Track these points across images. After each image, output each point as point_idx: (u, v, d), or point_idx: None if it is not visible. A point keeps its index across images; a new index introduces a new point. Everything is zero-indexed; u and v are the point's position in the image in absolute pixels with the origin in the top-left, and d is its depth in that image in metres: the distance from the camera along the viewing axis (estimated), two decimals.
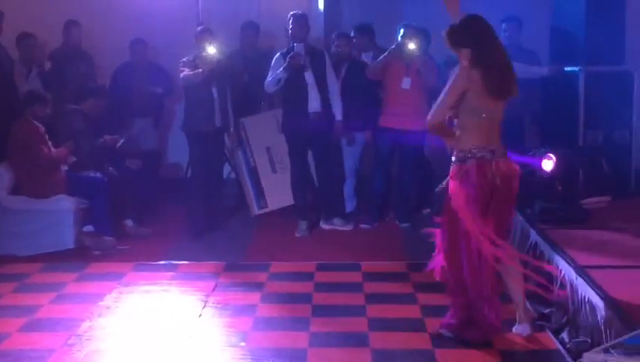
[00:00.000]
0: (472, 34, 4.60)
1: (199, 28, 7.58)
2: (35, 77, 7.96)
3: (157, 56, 8.77)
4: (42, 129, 7.05)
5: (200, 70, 7.18)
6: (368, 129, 7.83)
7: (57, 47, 8.34)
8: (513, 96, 4.68)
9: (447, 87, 4.65)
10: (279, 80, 7.27)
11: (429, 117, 4.67)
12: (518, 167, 4.75)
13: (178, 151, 9.02)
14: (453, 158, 4.72)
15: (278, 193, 7.93)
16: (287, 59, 7.20)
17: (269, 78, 7.36)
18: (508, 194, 4.66)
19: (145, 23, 8.54)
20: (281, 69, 7.24)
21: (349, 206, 7.97)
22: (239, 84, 7.91)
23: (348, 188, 7.97)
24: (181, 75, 7.26)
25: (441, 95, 4.66)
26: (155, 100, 8.63)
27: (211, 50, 7.20)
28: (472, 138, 4.61)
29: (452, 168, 4.71)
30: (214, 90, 7.36)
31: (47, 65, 8.27)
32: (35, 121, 7.02)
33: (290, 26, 7.37)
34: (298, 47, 7.25)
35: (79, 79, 8.10)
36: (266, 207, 8.02)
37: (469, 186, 4.59)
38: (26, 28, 8.03)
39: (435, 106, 4.68)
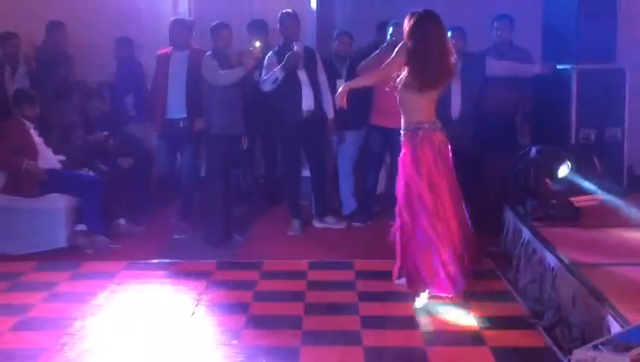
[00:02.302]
0: (414, 30, 5.19)
1: (214, 23, 7.15)
2: (25, 76, 7.91)
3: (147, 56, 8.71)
4: (32, 127, 7.03)
5: (243, 67, 6.86)
6: (363, 127, 7.85)
7: (39, 46, 8.26)
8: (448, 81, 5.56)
9: (390, 58, 5.40)
10: (276, 78, 7.16)
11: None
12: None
13: None
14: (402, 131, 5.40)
15: None
16: (287, 57, 7.12)
17: (264, 77, 7.26)
18: (448, 160, 5.35)
19: (133, 22, 8.52)
20: (279, 67, 7.14)
21: (349, 208, 7.92)
22: (251, 84, 7.50)
23: (346, 189, 7.95)
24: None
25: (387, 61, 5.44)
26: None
27: (258, 44, 6.97)
28: (420, 114, 5.32)
29: (403, 138, 5.38)
30: (238, 90, 7.06)
31: (33, 64, 8.20)
32: (25, 121, 7.00)
33: (282, 25, 7.36)
34: (298, 45, 7.19)
35: (60, 79, 8.03)
36: None
37: (416, 152, 5.25)
38: (10, 27, 7.97)
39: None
